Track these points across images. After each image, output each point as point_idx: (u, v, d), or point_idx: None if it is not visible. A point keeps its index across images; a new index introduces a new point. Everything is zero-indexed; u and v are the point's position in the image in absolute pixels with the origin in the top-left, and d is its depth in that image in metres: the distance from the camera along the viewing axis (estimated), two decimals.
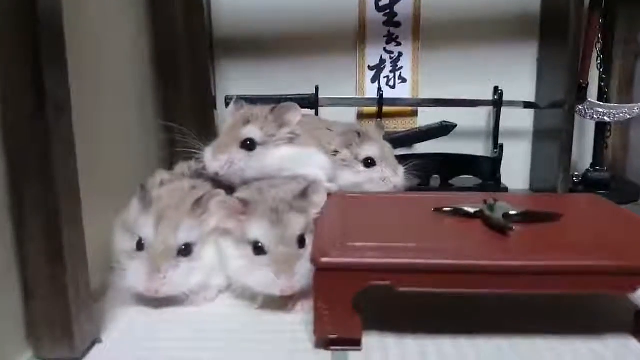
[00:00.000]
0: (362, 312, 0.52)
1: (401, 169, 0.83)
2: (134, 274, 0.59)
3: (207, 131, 0.81)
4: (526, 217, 0.60)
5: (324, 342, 0.53)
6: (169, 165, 0.80)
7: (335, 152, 0.79)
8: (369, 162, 0.80)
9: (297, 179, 0.67)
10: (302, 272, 0.57)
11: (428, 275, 0.49)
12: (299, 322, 0.58)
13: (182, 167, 0.75)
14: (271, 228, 0.59)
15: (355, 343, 0.52)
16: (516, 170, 1.08)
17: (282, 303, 0.60)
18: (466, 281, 0.49)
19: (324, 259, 0.51)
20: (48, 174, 0.47)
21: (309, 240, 0.60)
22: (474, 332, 0.55)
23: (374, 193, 0.76)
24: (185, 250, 0.60)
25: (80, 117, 0.53)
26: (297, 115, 0.71)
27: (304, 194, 0.62)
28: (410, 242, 0.54)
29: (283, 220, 0.59)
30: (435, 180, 1.02)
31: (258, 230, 0.59)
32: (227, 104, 0.77)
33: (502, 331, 0.55)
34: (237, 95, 0.77)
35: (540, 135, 1.07)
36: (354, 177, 0.79)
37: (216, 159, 0.68)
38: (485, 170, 1.02)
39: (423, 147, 1.03)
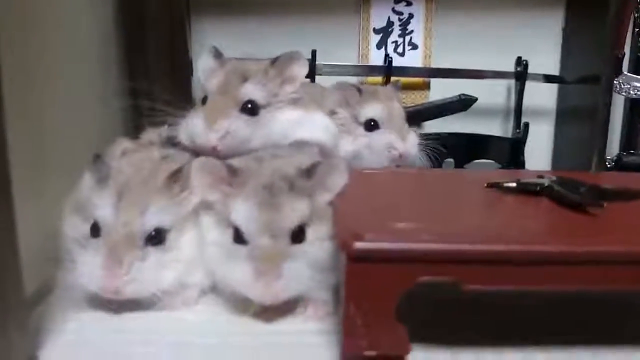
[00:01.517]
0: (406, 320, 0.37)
1: (413, 136, 0.68)
2: (87, 268, 0.46)
3: (182, 101, 0.68)
4: (603, 195, 0.47)
5: None
6: (135, 136, 0.67)
7: (333, 112, 0.65)
8: (372, 125, 0.66)
9: (308, 148, 0.53)
10: (293, 277, 0.43)
11: (513, 268, 0.34)
12: (315, 332, 0.44)
13: (150, 134, 0.61)
14: (259, 211, 0.44)
15: None
16: (536, 153, 0.95)
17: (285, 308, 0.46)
18: (567, 275, 0.35)
19: (359, 245, 0.35)
20: None
21: (312, 234, 0.45)
22: (551, 342, 0.42)
23: (401, 169, 0.62)
24: (156, 238, 0.47)
25: (22, 78, 0.49)
26: (304, 68, 0.58)
27: (311, 170, 0.47)
28: (475, 224, 0.40)
29: (277, 202, 0.45)
30: (448, 165, 0.89)
31: (242, 211, 0.45)
32: None
33: (587, 341, 0.42)
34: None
35: (566, 113, 0.95)
36: (352, 144, 0.65)
37: (212, 128, 0.53)
38: (507, 153, 0.90)
39: (434, 126, 0.90)
